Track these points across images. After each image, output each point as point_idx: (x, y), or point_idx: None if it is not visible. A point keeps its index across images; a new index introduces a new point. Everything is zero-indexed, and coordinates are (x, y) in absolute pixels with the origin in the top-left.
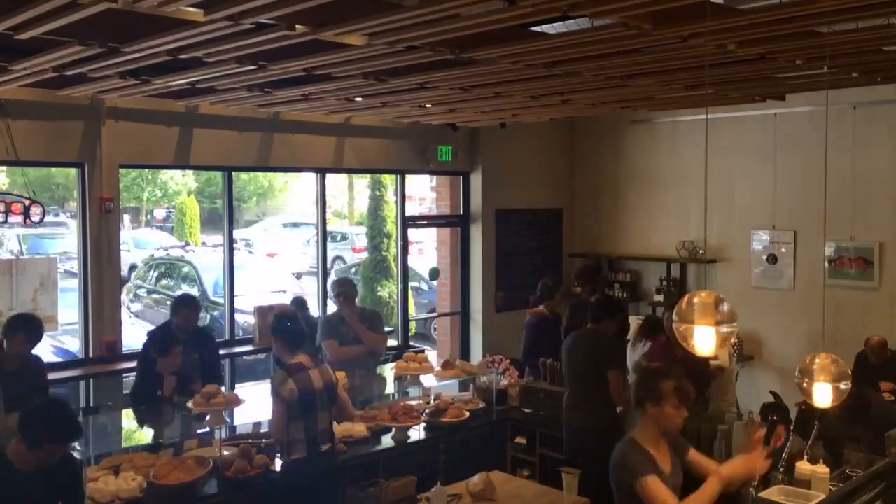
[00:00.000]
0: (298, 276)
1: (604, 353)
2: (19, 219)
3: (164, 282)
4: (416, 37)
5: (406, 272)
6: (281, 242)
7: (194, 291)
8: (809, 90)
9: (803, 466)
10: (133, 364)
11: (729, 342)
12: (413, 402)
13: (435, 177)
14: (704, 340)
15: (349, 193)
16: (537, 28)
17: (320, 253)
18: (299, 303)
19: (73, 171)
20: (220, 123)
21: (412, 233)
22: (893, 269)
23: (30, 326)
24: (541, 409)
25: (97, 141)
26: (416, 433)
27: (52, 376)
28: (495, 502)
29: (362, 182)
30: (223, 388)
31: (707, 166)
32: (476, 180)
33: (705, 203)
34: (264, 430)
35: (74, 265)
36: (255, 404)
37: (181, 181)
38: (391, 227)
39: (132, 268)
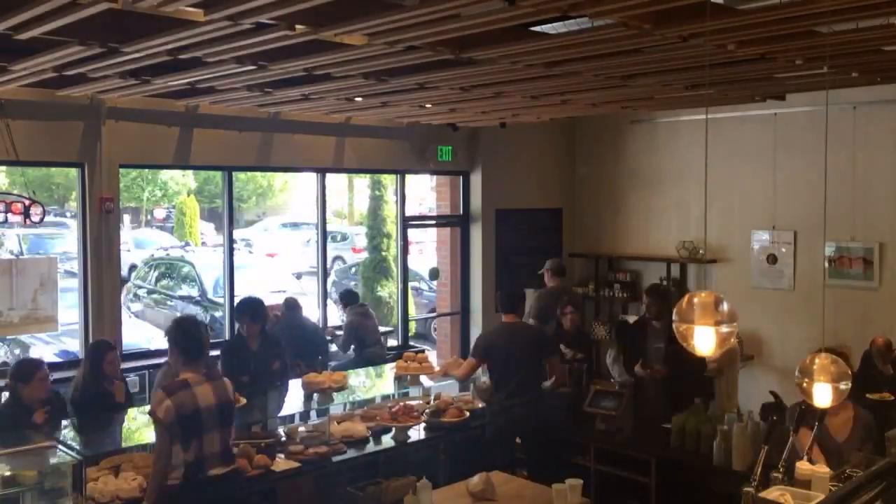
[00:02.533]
0: (298, 276)
1: (544, 343)
2: (19, 219)
3: (164, 282)
4: (416, 37)
5: (406, 272)
6: (281, 242)
7: (194, 291)
8: (809, 90)
9: (803, 466)
10: (133, 364)
11: (728, 342)
12: (413, 402)
13: (435, 177)
14: (704, 340)
15: (349, 193)
16: (537, 28)
17: (320, 253)
18: (292, 304)
19: (73, 171)
20: (220, 123)
21: (412, 233)
22: (893, 269)
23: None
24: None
25: (97, 141)
26: (416, 433)
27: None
28: (495, 502)
29: (362, 182)
30: None
31: (707, 166)
32: (476, 180)
33: (705, 203)
34: (264, 430)
35: (74, 265)
36: (255, 404)
37: (181, 181)
38: (391, 227)
39: (132, 268)
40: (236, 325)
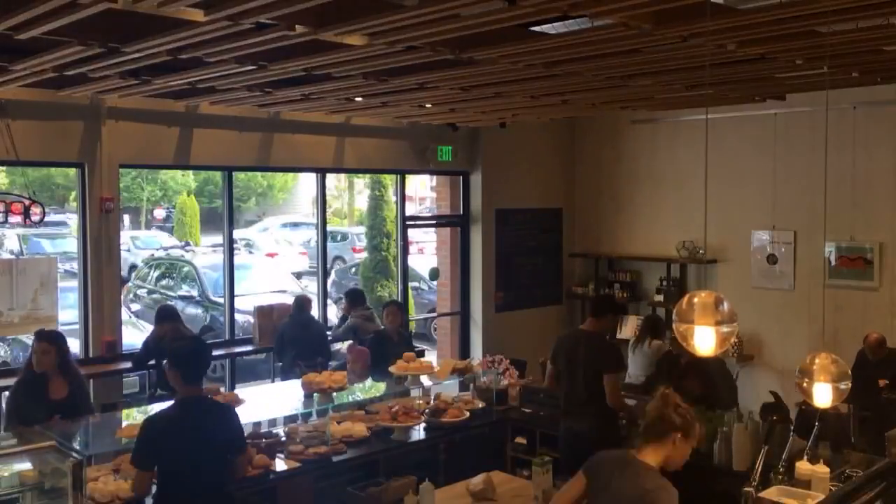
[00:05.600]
0: (298, 276)
1: (602, 356)
2: (19, 219)
3: (164, 282)
4: (416, 37)
5: (406, 272)
6: (281, 243)
7: (194, 292)
8: (809, 90)
9: (803, 466)
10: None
11: (728, 342)
12: (413, 402)
13: (435, 177)
14: (704, 340)
15: (349, 193)
16: (537, 28)
17: (320, 253)
18: (302, 303)
19: (73, 171)
20: (220, 123)
21: (412, 233)
22: (893, 269)
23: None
24: (541, 409)
25: (97, 141)
26: (416, 433)
27: None
28: (495, 502)
29: (362, 182)
30: (222, 389)
31: (707, 166)
32: (476, 180)
33: (705, 203)
34: (264, 430)
35: (74, 265)
36: (255, 404)
37: (181, 181)
38: (391, 227)
39: (132, 268)
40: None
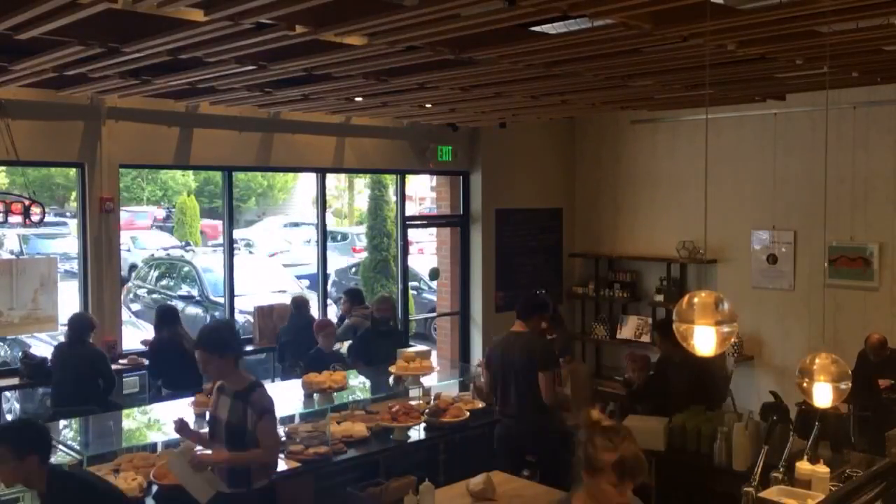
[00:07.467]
0: (301, 275)
1: (536, 354)
2: (19, 219)
3: (164, 282)
4: (416, 37)
5: (406, 272)
6: (281, 242)
7: (194, 291)
8: (809, 90)
9: (803, 466)
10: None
11: (729, 342)
12: (413, 402)
13: (435, 177)
14: (704, 340)
15: (349, 193)
16: (537, 28)
17: (320, 253)
18: (300, 303)
19: (73, 171)
20: (220, 123)
21: (412, 233)
22: (893, 269)
23: None
24: None
25: (97, 141)
26: (416, 433)
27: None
28: (496, 502)
29: (362, 182)
30: None
31: (707, 166)
32: (476, 180)
33: (705, 203)
34: None
35: (74, 265)
36: None
37: (181, 180)
38: (391, 227)
39: (132, 268)
40: None
